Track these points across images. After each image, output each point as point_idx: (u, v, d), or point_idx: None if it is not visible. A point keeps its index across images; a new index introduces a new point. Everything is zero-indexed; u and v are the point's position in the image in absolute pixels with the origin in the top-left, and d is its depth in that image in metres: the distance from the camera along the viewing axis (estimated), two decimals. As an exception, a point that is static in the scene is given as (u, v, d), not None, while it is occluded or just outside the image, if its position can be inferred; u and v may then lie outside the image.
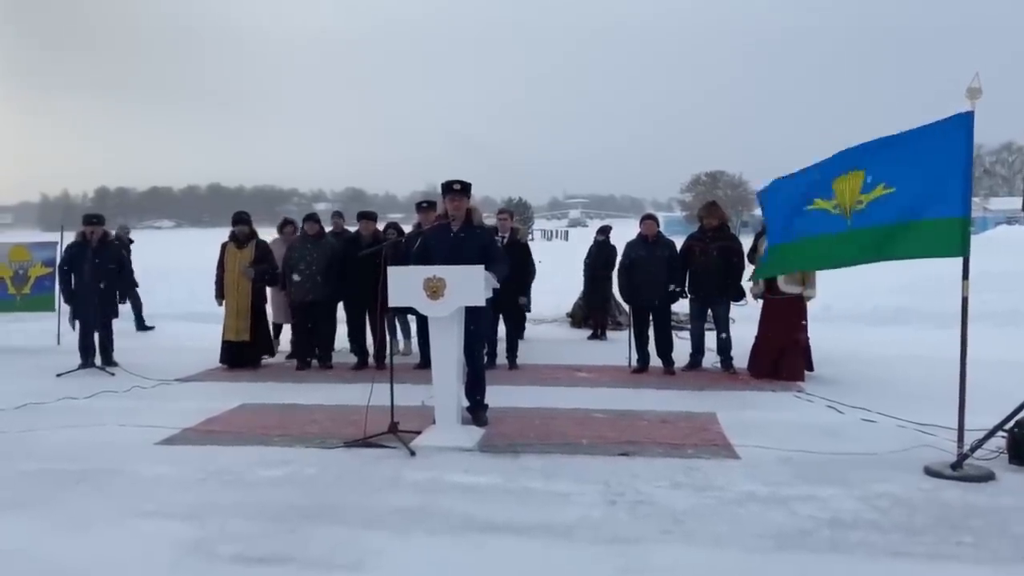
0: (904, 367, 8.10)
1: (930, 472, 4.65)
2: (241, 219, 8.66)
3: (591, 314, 11.40)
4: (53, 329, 10.14)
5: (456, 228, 6.01)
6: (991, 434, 4.69)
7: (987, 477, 4.54)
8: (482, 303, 5.45)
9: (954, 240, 4.68)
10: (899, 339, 10.21)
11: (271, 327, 9.51)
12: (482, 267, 5.41)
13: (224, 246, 8.67)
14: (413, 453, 5.17)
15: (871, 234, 5.02)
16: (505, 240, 8.50)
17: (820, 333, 9.50)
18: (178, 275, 16.49)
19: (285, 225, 9.82)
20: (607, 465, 4.92)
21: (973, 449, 4.65)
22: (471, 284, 5.36)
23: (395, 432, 5.37)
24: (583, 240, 11.94)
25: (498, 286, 5.76)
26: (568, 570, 3.47)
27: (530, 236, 64.09)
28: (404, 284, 5.43)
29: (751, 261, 8.03)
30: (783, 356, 7.61)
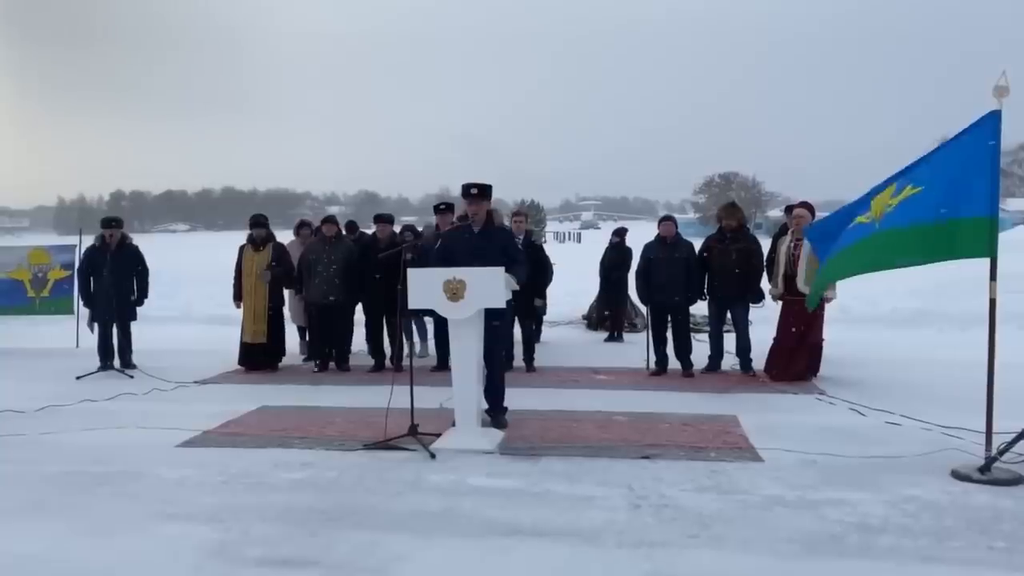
0: (925, 369, 8.02)
1: (958, 476, 4.58)
2: (258, 222, 8.69)
3: (608, 316, 11.35)
4: (72, 332, 10.19)
5: (477, 229, 5.99)
6: (1020, 437, 4.62)
7: (1016, 481, 4.47)
8: (502, 305, 5.43)
9: (981, 240, 4.62)
10: (919, 341, 10.13)
11: (297, 329, 9.53)
12: (502, 269, 5.38)
13: (241, 248, 8.68)
14: (433, 456, 5.15)
15: (898, 235, 4.96)
16: (520, 242, 8.46)
17: (838, 335, 9.44)
18: (195, 278, 16.53)
19: (302, 227, 9.84)
20: (630, 468, 4.88)
21: (1002, 452, 4.58)
22: (491, 286, 5.33)
23: (415, 435, 5.35)
24: (596, 242, 11.91)
25: (518, 288, 5.74)
26: (596, 574, 3.43)
27: (543, 239, 64.28)
28: (424, 286, 5.41)
29: (769, 264, 7.99)
30: (794, 355, 7.55)
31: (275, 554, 3.69)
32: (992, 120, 4.60)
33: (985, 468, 4.56)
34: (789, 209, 8.25)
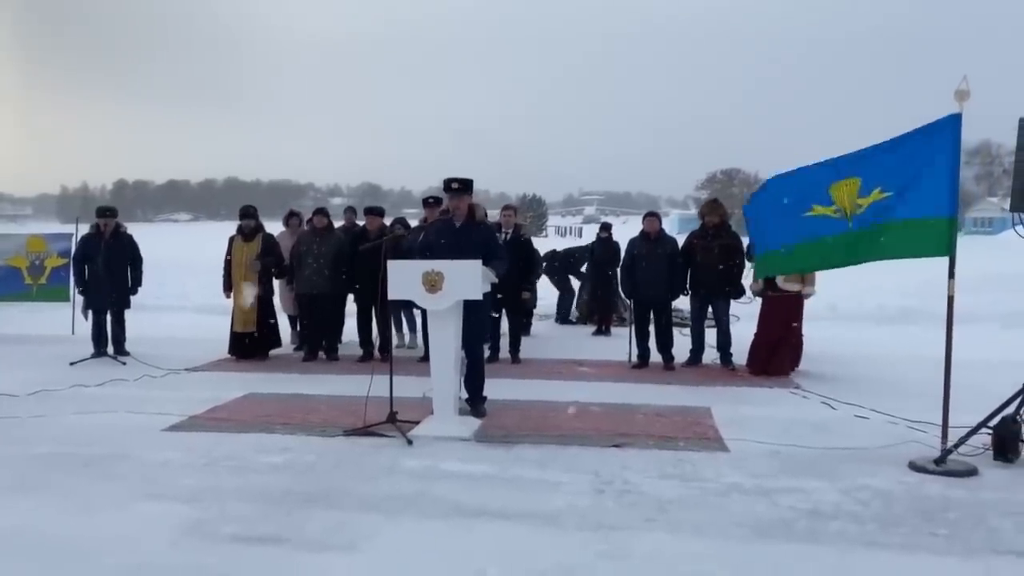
0: (904, 366, 8.13)
1: (914, 467, 4.74)
2: (247, 213, 8.85)
3: (596, 310, 11.51)
4: (68, 319, 10.36)
5: (458, 223, 6.14)
6: (975, 431, 4.77)
7: (970, 472, 4.63)
8: (479, 297, 5.58)
9: (941, 239, 4.76)
10: (903, 339, 10.24)
11: (288, 319, 9.69)
12: (479, 261, 5.54)
13: (231, 239, 8.85)
14: (410, 442, 5.31)
15: (867, 233, 5.10)
16: (508, 236, 8.62)
17: (824, 332, 9.60)
18: (191, 267, 16.70)
19: (291, 217, 9.99)
20: (599, 456, 5.04)
21: (956, 445, 4.74)
22: (469, 278, 5.49)
23: (394, 422, 5.51)
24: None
25: (496, 280, 5.89)
26: (552, 554, 3.59)
27: (544, 233, 64.41)
28: (403, 277, 5.57)
29: (749, 259, 8.13)
30: (775, 351, 7.70)
31: (249, 531, 3.86)
32: (953, 123, 4.73)
33: (940, 460, 4.71)
34: None
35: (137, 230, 9.46)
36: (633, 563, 3.50)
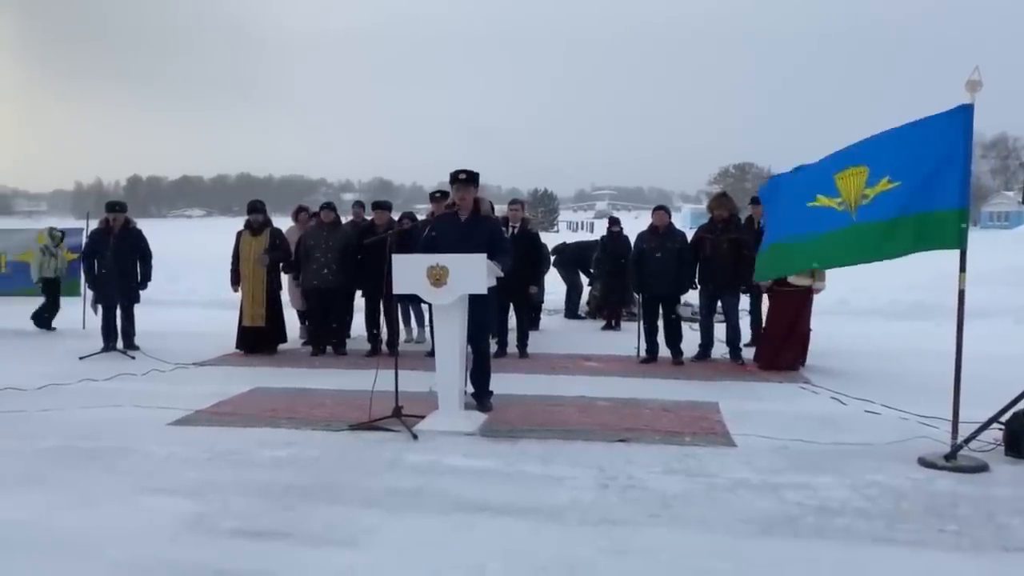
0: (915, 361, 8.05)
1: (924, 463, 4.67)
2: (255, 208, 8.87)
3: (605, 305, 11.46)
4: (79, 313, 10.40)
5: (464, 217, 6.10)
6: (985, 426, 4.70)
7: (980, 468, 4.56)
8: (484, 291, 5.54)
9: (952, 232, 4.68)
10: (915, 334, 10.15)
11: (296, 314, 9.69)
12: (484, 255, 5.50)
13: (239, 234, 8.87)
14: (415, 437, 5.29)
15: (874, 229, 5.02)
16: (516, 231, 8.58)
17: (836, 327, 9.53)
18: (204, 263, 16.74)
19: (299, 212, 9.99)
20: (604, 451, 4.99)
21: (967, 440, 4.67)
22: (473, 272, 5.45)
23: (399, 416, 5.49)
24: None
25: (502, 275, 5.85)
26: (553, 550, 3.55)
27: (555, 228, 64.34)
28: (408, 272, 5.54)
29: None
30: (783, 346, 7.64)
31: (250, 526, 3.84)
32: (965, 114, 4.65)
33: (951, 456, 4.64)
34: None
35: (149, 226, 9.51)
36: (636, 558, 3.46)
